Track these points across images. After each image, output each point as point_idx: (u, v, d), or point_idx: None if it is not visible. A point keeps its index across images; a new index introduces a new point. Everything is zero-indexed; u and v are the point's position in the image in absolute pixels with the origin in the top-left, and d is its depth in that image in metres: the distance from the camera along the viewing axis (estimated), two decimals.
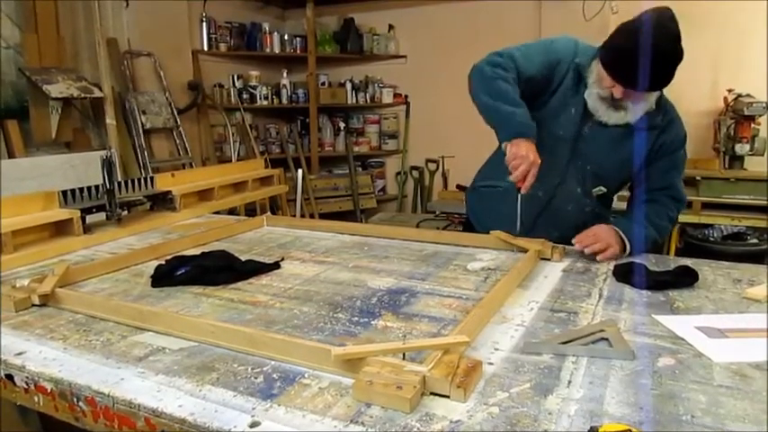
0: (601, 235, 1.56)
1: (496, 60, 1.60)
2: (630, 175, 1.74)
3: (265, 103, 4.84)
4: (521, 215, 1.58)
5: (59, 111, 3.22)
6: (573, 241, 1.57)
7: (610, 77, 1.50)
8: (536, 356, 0.98)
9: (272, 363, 0.96)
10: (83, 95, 3.28)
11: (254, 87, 4.77)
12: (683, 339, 1.04)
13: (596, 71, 1.54)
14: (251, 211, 3.15)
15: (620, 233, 1.57)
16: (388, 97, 5.07)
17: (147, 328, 1.10)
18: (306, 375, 0.92)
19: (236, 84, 4.71)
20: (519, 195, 1.53)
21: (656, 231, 1.64)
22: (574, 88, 1.63)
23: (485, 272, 1.49)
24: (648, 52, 1.37)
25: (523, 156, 1.47)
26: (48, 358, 1.00)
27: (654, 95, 1.57)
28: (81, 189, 1.93)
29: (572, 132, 1.65)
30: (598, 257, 1.53)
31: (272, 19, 5.12)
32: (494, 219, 1.77)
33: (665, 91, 1.60)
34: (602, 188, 1.73)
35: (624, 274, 1.38)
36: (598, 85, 1.55)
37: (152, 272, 1.44)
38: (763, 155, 3.50)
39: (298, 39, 4.93)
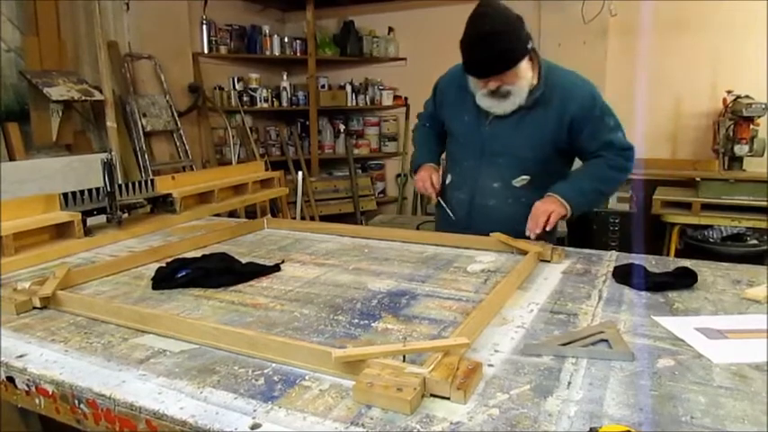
0: (539, 209, 1.69)
1: (420, 114, 2.15)
2: (550, 155, 1.77)
3: (265, 105, 4.84)
4: (451, 211, 1.92)
5: (60, 113, 3.23)
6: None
7: (474, 78, 1.68)
8: (536, 358, 0.98)
9: (273, 365, 0.96)
10: (83, 98, 3.28)
11: (255, 90, 4.78)
12: (682, 340, 1.04)
13: (469, 78, 1.72)
14: (251, 213, 3.15)
15: (557, 196, 1.69)
16: (387, 99, 5.07)
17: (147, 330, 1.11)
18: (306, 377, 0.92)
19: (237, 86, 4.70)
20: (439, 200, 1.95)
21: (598, 181, 1.76)
22: (458, 102, 1.86)
23: (485, 274, 1.49)
24: (470, 40, 1.59)
25: (422, 177, 1.94)
26: (49, 360, 1.00)
27: (524, 71, 1.66)
28: (82, 192, 1.94)
29: (472, 135, 1.83)
30: (547, 228, 1.65)
31: (272, 22, 5.12)
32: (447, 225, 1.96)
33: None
34: (525, 177, 1.80)
35: (623, 275, 1.39)
36: (477, 88, 1.72)
37: (153, 274, 1.44)
38: (762, 156, 3.50)
39: (298, 41, 4.93)
